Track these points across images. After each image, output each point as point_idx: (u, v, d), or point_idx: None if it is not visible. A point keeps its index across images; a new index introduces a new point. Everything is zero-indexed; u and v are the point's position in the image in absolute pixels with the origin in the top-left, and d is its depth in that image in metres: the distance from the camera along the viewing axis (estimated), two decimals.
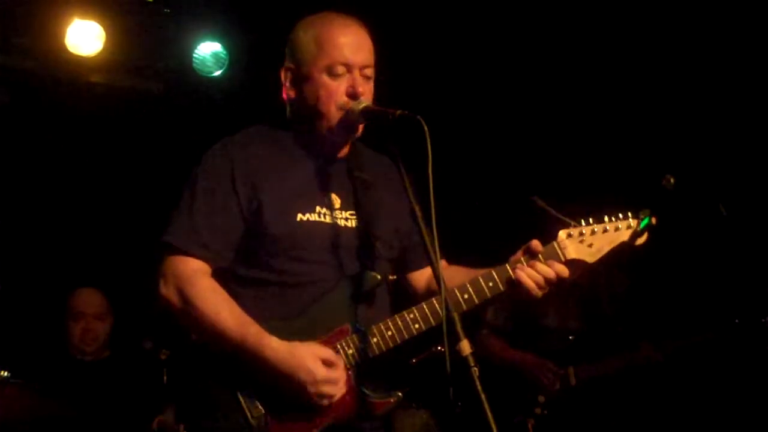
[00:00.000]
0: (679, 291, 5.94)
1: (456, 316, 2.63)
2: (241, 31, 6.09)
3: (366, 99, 3.04)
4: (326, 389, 2.86)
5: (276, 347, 2.85)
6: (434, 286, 3.11)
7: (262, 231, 2.97)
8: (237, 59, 6.08)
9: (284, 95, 3.14)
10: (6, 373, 4.87)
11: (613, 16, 5.76)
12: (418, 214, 2.76)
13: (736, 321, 5.05)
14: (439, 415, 5.17)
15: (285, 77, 3.12)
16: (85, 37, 5.63)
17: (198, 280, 2.93)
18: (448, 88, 6.18)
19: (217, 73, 6.06)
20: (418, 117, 2.84)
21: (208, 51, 6.01)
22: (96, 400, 5.27)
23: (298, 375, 2.83)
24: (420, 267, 3.27)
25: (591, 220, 3.08)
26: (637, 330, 5.42)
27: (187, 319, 2.93)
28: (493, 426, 2.51)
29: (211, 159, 3.09)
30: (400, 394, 2.99)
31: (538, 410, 5.23)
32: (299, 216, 2.99)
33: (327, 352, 2.89)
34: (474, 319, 3.30)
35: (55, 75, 5.82)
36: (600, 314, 5.45)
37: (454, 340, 2.61)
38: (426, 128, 2.78)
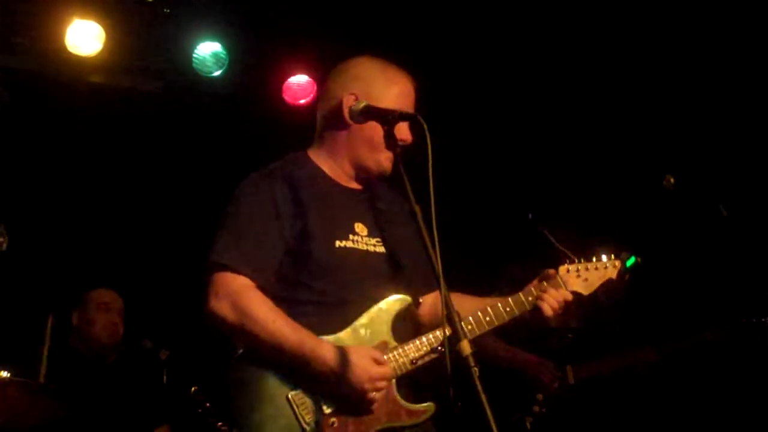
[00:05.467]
0: (679, 291, 5.94)
1: (457, 317, 2.68)
2: (241, 31, 6.09)
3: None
4: (380, 384, 3.08)
5: (332, 349, 3.06)
6: (436, 311, 3.37)
7: (305, 255, 3.18)
8: (237, 59, 6.08)
9: (345, 118, 3.29)
10: (7, 374, 4.86)
11: (612, 17, 5.77)
12: (418, 214, 2.84)
13: (742, 321, 5.05)
14: (439, 414, 5.17)
15: (347, 102, 3.30)
16: (84, 37, 5.63)
17: (250, 294, 3.11)
18: (447, 89, 6.18)
19: (217, 73, 6.05)
20: (419, 116, 2.89)
21: (208, 51, 6.01)
22: (103, 402, 5.26)
23: (355, 371, 3.04)
24: (426, 293, 3.46)
25: (583, 259, 3.52)
26: (636, 330, 5.43)
27: (242, 331, 3.09)
28: (494, 426, 2.52)
29: (255, 182, 3.28)
30: (433, 403, 3.23)
31: (536, 408, 5.23)
32: (337, 243, 3.22)
33: (376, 352, 3.12)
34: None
35: (55, 75, 5.82)
36: (599, 314, 5.45)
37: (455, 340, 2.65)
38: (426, 127, 2.83)
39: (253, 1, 6.06)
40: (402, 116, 3.05)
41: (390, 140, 3.03)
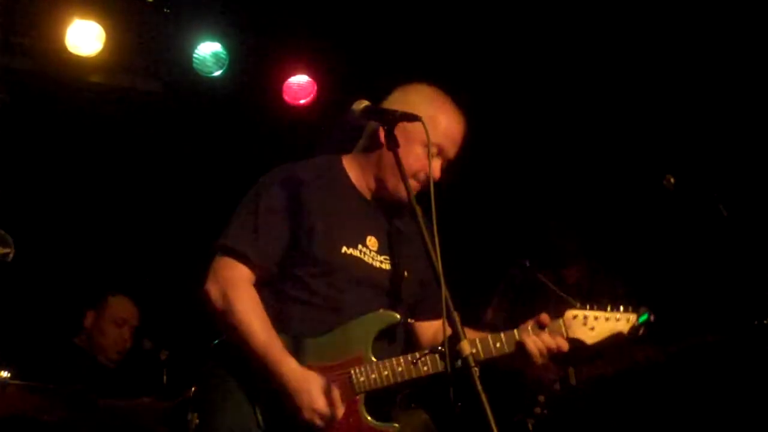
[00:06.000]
0: (679, 292, 5.94)
1: (457, 317, 2.69)
2: (241, 31, 6.09)
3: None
4: (317, 421, 3.08)
5: (293, 367, 3.10)
6: (438, 338, 3.26)
7: (309, 254, 3.23)
8: (237, 59, 6.08)
9: (381, 138, 3.21)
10: (6, 374, 4.86)
11: (612, 17, 5.76)
12: (419, 213, 2.88)
13: (744, 323, 5.04)
14: (439, 415, 5.16)
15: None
16: (85, 38, 5.63)
17: (242, 288, 3.18)
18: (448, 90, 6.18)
19: (217, 73, 6.05)
20: (419, 117, 2.90)
21: (208, 51, 6.01)
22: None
23: (301, 397, 3.06)
24: (428, 318, 3.48)
25: (596, 306, 3.35)
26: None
27: (223, 319, 3.17)
28: (494, 426, 2.52)
29: (273, 179, 3.33)
30: (396, 425, 3.22)
31: (537, 410, 5.23)
32: (344, 248, 3.26)
33: (335, 392, 3.10)
34: (474, 320, 3.40)
35: (55, 75, 5.81)
36: None
37: (455, 341, 2.66)
38: (426, 128, 2.84)
39: (253, 1, 6.06)
40: (403, 116, 3.03)
41: (390, 140, 3.02)
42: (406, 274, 3.35)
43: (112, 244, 6.44)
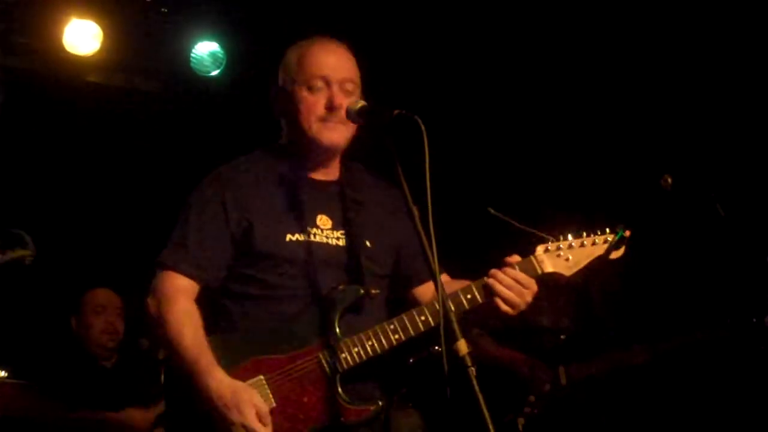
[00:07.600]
0: (675, 291, 5.94)
1: (453, 317, 2.67)
2: (238, 30, 6.09)
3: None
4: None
5: (221, 379, 2.97)
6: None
7: (252, 250, 3.14)
8: (234, 59, 6.08)
9: (275, 115, 3.29)
10: (5, 373, 4.86)
11: (611, 15, 5.77)
12: (416, 214, 2.81)
13: (729, 320, 5.04)
14: (432, 415, 5.17)
15: (274, 98, 3.30)
16: (82, 37, 5.63)
17: (177, 299, 3.09)
18: (443, 84, 6.19)
19: (215, 72, 6.05)
20: (416, 117, 2.89)
21: (205, 50, 6.01)
22: (100, 402, 5.25)
23: (230, 411, 2.93)
24: (423, 282, 3.37)
25: (569, 236, 3.20)
26: (629, 330, 5.42)
27: (157, 332, 3.10)
28: (491, 427, 2.52)
29: (204, 185, 3.27)
30: (380, 402, 3.10)
31: (528, 409, 5.22)
32: (288, 236, 3.15)
33: (263, 407, 2.96)
34: (466, 318, 3.32)
35: (53, 74, 5.81)
36: (592, 314, 5.45)
37: (452, 340, 2.63)
38: (423, 128, 2.83)
39: (250, 0, 6.06)
40: (399, 116, 2.98)
41: (389, 141, 2.94)
42: (368, 243, 3.23)
43: (111, 243, 6.44)
